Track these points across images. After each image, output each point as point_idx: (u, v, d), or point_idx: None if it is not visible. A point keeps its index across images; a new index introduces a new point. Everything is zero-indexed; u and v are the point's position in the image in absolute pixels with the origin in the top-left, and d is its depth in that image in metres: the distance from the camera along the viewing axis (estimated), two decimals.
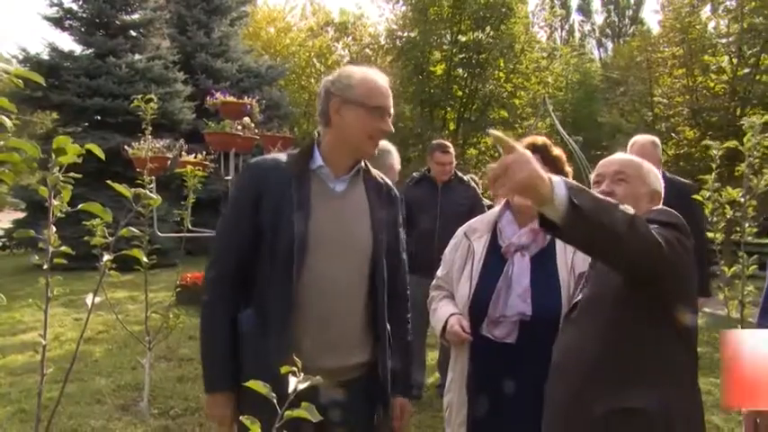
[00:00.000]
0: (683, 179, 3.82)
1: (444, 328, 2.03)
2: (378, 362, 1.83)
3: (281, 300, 1.71)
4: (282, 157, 1.86)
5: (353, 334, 1.81)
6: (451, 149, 4.42)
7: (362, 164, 1.89)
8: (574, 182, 1.29)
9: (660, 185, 1.75)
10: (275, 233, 1.73)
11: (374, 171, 1.95)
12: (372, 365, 1.82)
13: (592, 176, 1.82)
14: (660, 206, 1.69)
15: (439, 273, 2.24)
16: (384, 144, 3.41)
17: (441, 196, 4.29)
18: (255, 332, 1.73)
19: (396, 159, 3.43)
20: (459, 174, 4.49)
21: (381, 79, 1.83)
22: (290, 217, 1.72)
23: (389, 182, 2.00)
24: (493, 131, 1.23)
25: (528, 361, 1.87)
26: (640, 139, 3.70)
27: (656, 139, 3.71)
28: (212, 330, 1.80)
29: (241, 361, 1.75)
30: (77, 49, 13.49)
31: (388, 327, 1.88)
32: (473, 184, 4.60)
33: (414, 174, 4.76)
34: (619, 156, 1.81)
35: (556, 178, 1.25)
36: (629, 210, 1.34)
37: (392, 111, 1.83)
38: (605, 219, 1.27)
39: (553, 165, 2.06)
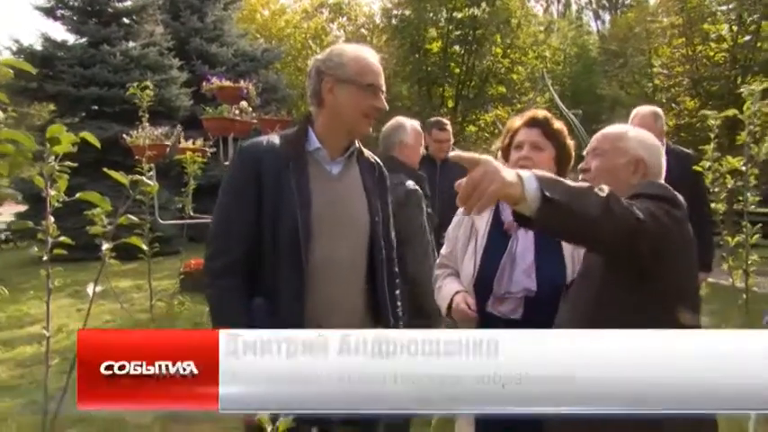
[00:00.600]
0: (685, 149, 3.78)
1: (450, 306, 2.04)
2: None
3: (291, 286, 1.70)
4: (276, 139, 1.82)
5: (357, 316, 1.81)
6: (449, 126, 4.39)
7: (356, 145, 1.89)
8: (544, 173, 1.29)
9: (650, 153, 1.69)
10: (277, 218, 1.72)
11: (367, 152, 1.95)
12: None
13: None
14: (650, 179, 1.65)
15: (443, 251, 2.24)
16: (395, 119, 3.30)
17: (439, 174, 4.27)
18: (266, 320, 1.69)
19: (409, 135, 3.18)
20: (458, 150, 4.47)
21: (372, 56, 1.81)
22: (291, 202, 1.71)
23: (380, 162, 2.00)
24: (452, 153, 1.23)
25: None
26: (641, 110, 3.61)
27: (658, 110, 3.61)
28: (231, 323, 1.65)
29: None
30: (70, 38, 13.41)
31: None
32: None
33: None
34: (604, 129, 1.80)
35: (526, 174, 1.24)
36: (604, 191, 1.33)
37: (384, 87, 1.82)
38: (577, 206, 1.27)
39: (554, 138, 2.04)
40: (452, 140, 4.42)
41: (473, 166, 1.18)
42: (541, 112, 2.11)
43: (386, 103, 1.82)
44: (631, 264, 1.43)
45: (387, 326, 1.84)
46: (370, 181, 1.90)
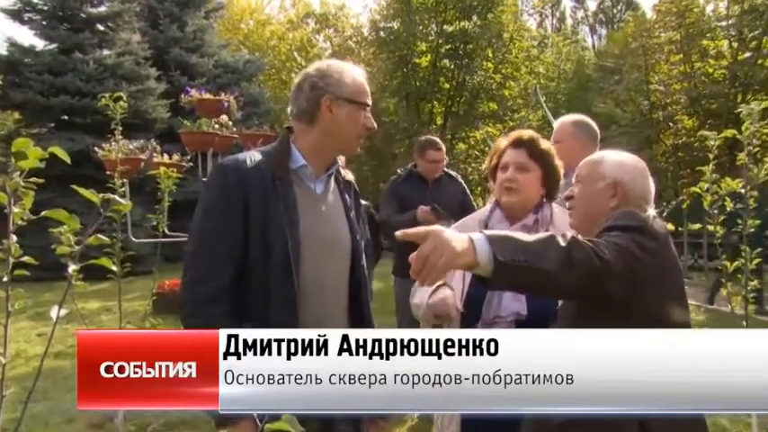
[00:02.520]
0: None
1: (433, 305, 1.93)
2: None
3: (284, 308, 1.71)
4: (256, 155, 1.82)
5: None
6: (443, 146, 4.46)
7: (338, 163, 1.94)
8: (498, 234, 1.33)
9: (630, 176, 1.69)
10: (265, 239, 1.72)
11: (342, 170, 2.01)
12: None
13: None
14: (627, 208, 1.63)
15: None
16: None
17: (433, 193, 4.29)
18: None
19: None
20: (446, 170, 4.52)
21: (364, 76, 1.88)
22: (279, 222, 1.72)
23: (353, 179, 2.07)
24: (399, 232, 1.27)
25: None
26: (563, 119, 3.15)
27: (580, 118, 3.02)
28: None
29: None
30: (39, 44, 13.36)
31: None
32: (459, 179, 4.64)
33: (398, 170, 4.81)
34: (590, 156, 1.82)
35: (478, 238, 1.28)
36: (566, 237, 1.37)
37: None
38: (533, 262, 1.31)
39: (542, 159, 2.06)
40: (445, 160, 4.48)
41: (422, 240, 1.24)
42: (527, 132, 2.12)
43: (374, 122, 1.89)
44: (602, 301, 1.45)
45: None
46: (349, 199, 1.95)
